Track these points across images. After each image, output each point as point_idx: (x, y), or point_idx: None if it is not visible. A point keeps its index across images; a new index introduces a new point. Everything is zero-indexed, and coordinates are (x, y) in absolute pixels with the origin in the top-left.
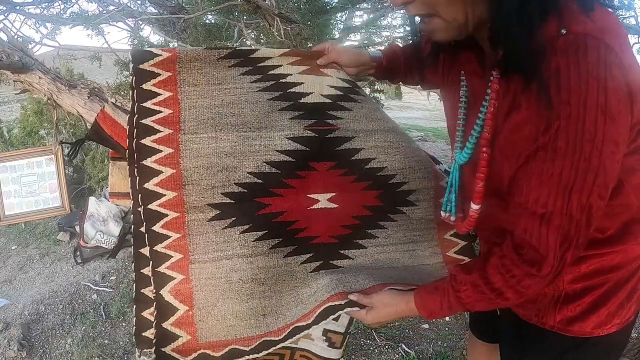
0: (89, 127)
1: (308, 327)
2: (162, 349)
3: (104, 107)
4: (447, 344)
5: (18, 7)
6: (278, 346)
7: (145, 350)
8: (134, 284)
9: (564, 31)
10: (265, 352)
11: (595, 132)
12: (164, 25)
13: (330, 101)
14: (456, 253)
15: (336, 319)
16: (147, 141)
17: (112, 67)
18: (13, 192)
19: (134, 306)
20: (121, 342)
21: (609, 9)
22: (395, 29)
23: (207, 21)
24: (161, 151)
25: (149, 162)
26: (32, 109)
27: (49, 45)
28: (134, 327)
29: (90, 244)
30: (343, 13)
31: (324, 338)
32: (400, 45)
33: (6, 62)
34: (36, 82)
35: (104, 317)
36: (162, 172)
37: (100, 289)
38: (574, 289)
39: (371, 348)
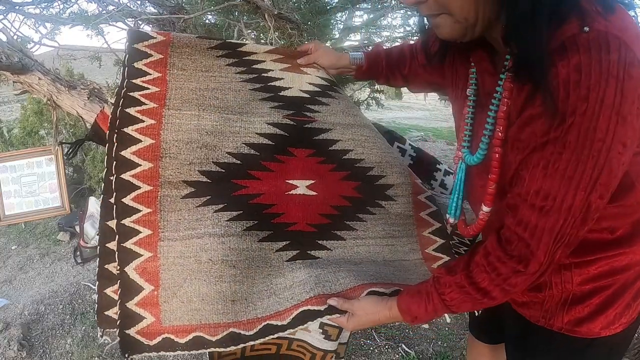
0: (88, 128)
1: (284, 328)
2: (126, 331)
3: (103, 107)
4: (447, 344)
5: (17, 7)
6: (249, 343)
7: (107, 330)
8: (98, 259)
9: (586, 29)
10: (233, 347)
11: (606, 131)
12: (164, 25)
13: (308, 96)
14: (435, 251)
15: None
16: (131, 110)
17: (112, 67)
18: (13, 192)
19: (97, 282)
20: None
21: (627, 10)
22: (395, 29)
23: (207, 21)
24: (143, 121)
25: (129, 129)
26: (32, 109)
27: (48, 46)
28: (96, 305)
29: (90, 244)
30: (343, 13)
31: (321, 331)
32: (385, 47)
33: (6, 63)
34: (36, 83)
35: None
36: (141, 141)
37: None
38: (582, 290)
39: (371, 348)
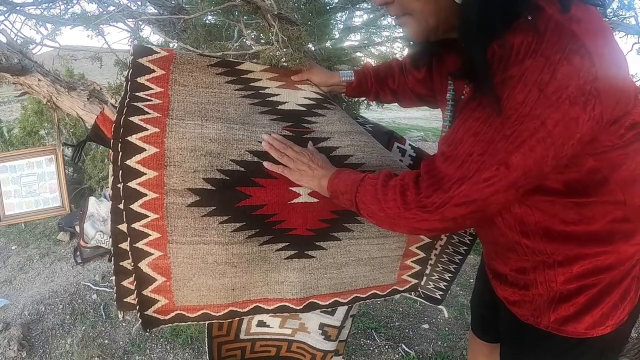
0: (89, 129)
1: (268, 311)
2: (145, 313)
3: (103, 109)
4: (447, 344)
5: (18, 8)
6: (243, 317)
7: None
8: (112, 258)
9: (530, 17)
10: (230, 320)
11: (523, 103)
12: (164, 25)
13: (304, 109)
14: (417, 248)
15: (332, 314)
16: (134, 119)
17: (112, 67)
18: (13, 192)
19: (114, 277)
20: (121, 342)
21: (595, 7)
22: (395, 28)
23: (207, 21)
24: (147, 129)
25: (133, 138)
26: (32, 109)
27: (49, 46)
28: (115, 295)
29: (90, 244)
30: (343, 13)
31: (320, 331)
32: (374, 64)
33: (5, 65)
34: (35, 85)
35: (104, 317)
36: (145, 149)
37: (100, 289)
38: (569, 289)
39: (371, 348)
